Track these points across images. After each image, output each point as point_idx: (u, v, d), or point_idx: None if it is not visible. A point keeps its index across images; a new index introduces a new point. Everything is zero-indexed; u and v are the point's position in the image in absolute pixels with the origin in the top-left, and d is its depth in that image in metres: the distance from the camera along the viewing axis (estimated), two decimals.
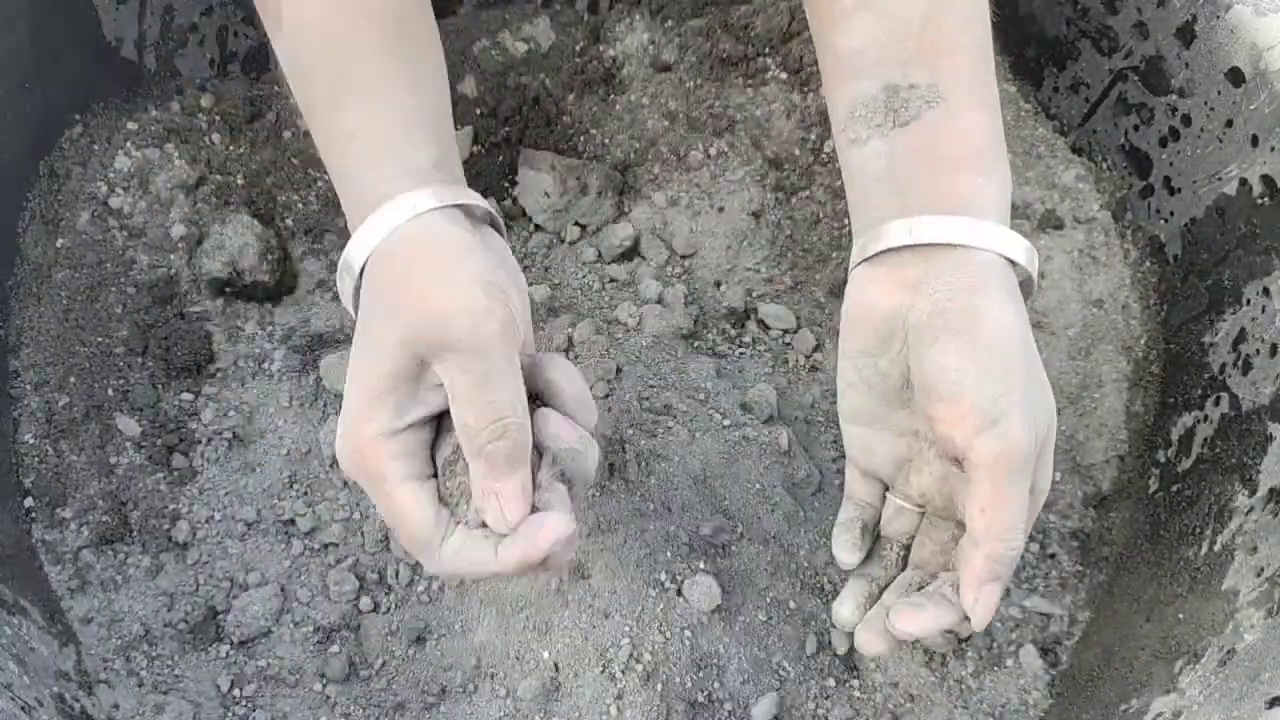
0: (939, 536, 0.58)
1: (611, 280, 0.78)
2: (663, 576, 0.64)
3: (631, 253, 0.80)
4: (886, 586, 0.59)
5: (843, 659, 0.66)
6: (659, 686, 0.61)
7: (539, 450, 0.51)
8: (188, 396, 0.71)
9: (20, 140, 0.70)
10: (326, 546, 0.68)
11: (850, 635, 0.67)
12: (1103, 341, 0.75)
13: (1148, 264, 0.76)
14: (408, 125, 0.53)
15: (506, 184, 0.82)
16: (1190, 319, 0.72)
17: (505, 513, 0.48)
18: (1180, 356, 0.72)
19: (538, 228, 0.81)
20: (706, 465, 0.67)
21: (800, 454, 0.71)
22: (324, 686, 0.64)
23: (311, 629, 0.65)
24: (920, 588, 0.57)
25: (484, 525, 0.50)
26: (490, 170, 0.82)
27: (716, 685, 0.63)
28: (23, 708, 0.52)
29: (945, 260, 0.51)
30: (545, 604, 0.64)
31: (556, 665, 0.62)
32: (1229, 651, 0.58)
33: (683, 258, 0.80)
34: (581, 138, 0.83)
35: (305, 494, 0.69)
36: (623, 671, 0.61)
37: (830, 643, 0.66)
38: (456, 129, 0.81)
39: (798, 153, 0.81)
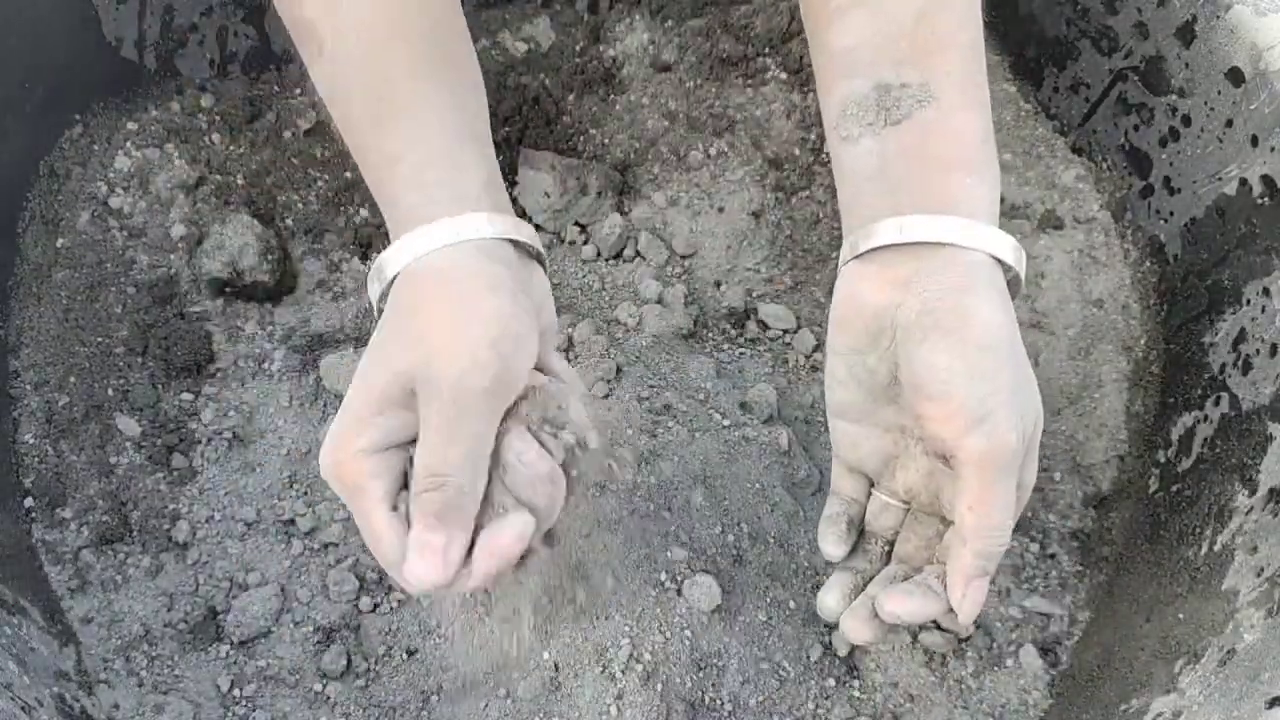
0: (924, 532, 0.58)
1: (611, 280, 0.78)
2: (663, 576, 0.64)
3: (629, 250, 0.80)
4: (871, 579, 0.59)
5: (843, 659, 0.66)
6: (659, 686, 0.61)
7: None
8: (188, 396, 0.71)
9: (20, 140, 0.70)
10: (326, 546, 0.68)
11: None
12: (1103, 341, 0.75)
13: (1148, 264, 0.76)
14: (452, 147, 0.53)
15: (506, 184, 0.82)
16: (1190, 319, 0.72)
17: (419, 567, 0.46)
18: (1180, 356, 0.72)
19: (538, 228, 0.81)
20: (706, 465, 0.67)
21: (800, 454, 0.71)
22: (324, 686, 0.64)
23: (311, 629, 0.65)
24: (905, 581, 0.57)
25: None
26: None
27: (716, 685, 0.63)
28: (23, 708, 0.52)
29: (935, 259, 0.52)
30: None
31: (556, 665, 0.62)
32: (1229, 651, 0.58)
33: (683, 258, 0.80)
34: (581, 138, 0.83)
35: (305, 494, 0.69)
36: (623, 671, 0.61)
37: (830, 643, 0.66)
38: None
39: (798, 153, 0.81)
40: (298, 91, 0.82)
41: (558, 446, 0.50)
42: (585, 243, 0.80)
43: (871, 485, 0.61)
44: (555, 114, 0.83)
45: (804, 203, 0.81)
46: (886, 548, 0.60)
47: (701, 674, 0.63)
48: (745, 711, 0.63)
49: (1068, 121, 0.81)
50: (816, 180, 0.82)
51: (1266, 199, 0.67)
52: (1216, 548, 0.63)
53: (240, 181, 0.77)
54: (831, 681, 0.66)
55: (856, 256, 0.55)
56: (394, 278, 0.51)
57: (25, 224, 0.71)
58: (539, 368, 0.52)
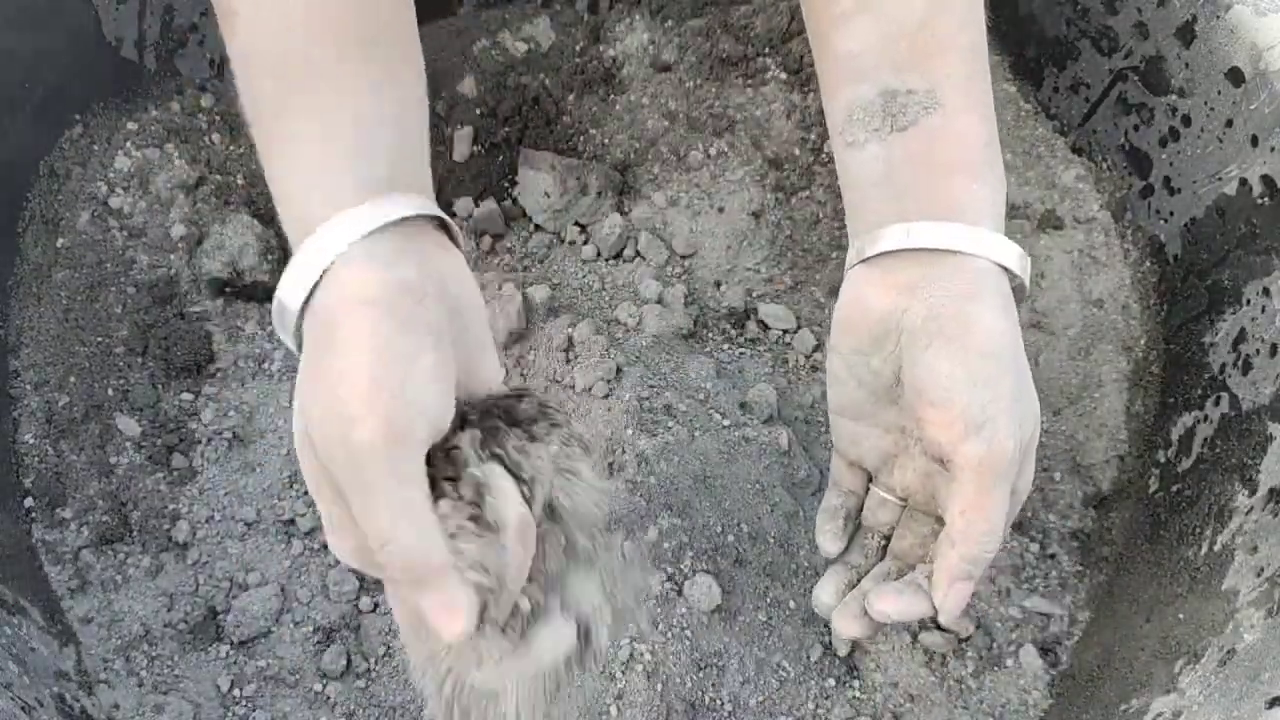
0: (919, 530, 0.58)
1: (611, 280, 0.78)
2: (663, 576, 0.64)
3: (629, 250, 0.80)
4: (865, 574, 0.60)
5: (843, 659, 0.66)
6: (659, 686, 0.61)
7: None
8: (188, 396, 0.71)
9: (20, 140, 0.70)
10: (326, 546, 0.68)
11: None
12: (1103, 341, 0.75)
13: (1148, 264, 0.76)
14: (360, 134, 0.46)
15: (506, 184, 0.82)
16: (1190, 319, 0.72)
17: (442, 625, 0.42)
18: (1180, 356, 0.72)
19: (538, 228, 0.81)
20: (706, 465, 0.67)
21: (800, 454, 0.71)
22: (324, 686, 0.64)
23: (311, 629, 0.65)
24: (898, 577, 0.58)
25: None
26: (490, 170, 0.82)
27: (716, 685, 0.63)
28: (23, 708, 0.52)
29: (942, 266, 0.52)
30: None
31: None
32: (1229, 651, 0.58)
33: (683, 258, 0.80)
34: (581, 138, 0.83)
35: (305, 494, 0.69)
36: (623, 671, 0.61)
37: (830, 643, 0.66)
38: (457, 129, 0.81)
39: (798, 153, 0.81)
40: None
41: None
42: (585, 243, 0.80)
43: (870, 480, 0.61)
44: (555, 114, 0.83)
45: (804, 203, 0.81)
46: (883, 543, 0.60)
47: (701, 674, 0.63)
48: (745, 711, 0.63)
49: (1068, 121, 0.81)
50: (816, 180, 0.82)
51: (1266, 199, 0.67)
52: (1216, 548, 0.63)
53: (240, 181, 0.77)
54: (831, 681, 0.66)
55: (863, 261, 0.55)
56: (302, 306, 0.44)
57: (25, 224, 0.71)
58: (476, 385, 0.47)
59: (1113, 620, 0.68)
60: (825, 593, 0.60)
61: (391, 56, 0.49)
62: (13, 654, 0.56)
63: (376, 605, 0.66)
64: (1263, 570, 0.59)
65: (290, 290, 0.44)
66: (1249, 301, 0.67)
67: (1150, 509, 0.70)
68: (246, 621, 0.64)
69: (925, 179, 0.54)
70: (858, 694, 0.66)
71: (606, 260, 0.79)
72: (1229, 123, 0.69)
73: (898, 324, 0.53)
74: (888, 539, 0.60)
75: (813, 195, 0.81)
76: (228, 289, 0.74)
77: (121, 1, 0.73)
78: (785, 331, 0.78)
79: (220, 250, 0.73)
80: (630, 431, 0.67)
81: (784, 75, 0.83)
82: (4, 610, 0.58)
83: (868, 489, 0.61)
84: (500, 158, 0.82)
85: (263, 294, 0.75)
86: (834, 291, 0.79)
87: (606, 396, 0.69)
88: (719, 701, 0.63)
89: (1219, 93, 0.69)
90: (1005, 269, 0.53)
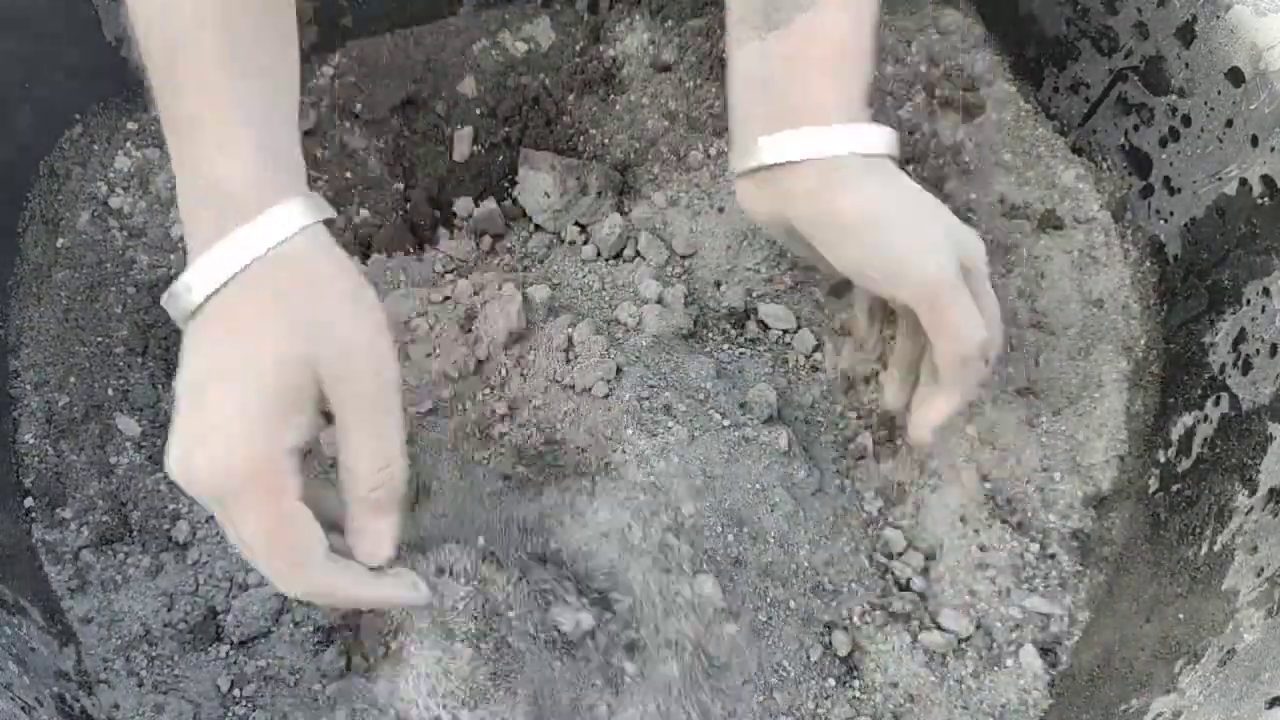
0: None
1: (611, 280, 0.78)
2: (663, 576, 0.64)
3: (629, 250, 0.80)
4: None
5: (843, 659, 0.66)
6: (660, 686, 0.61)
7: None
8: None
9: (20, 140, 0.70)
10: None
11: (850, 635, 0.67)
12: (1103, 341, 0.75)
13: (1148, 264, 0.76)
14: (288, 128, 0.51)
15: (506, 184, 0.82)
16: (1190, 319, 0.72)
17: (378, 549, 0.51)
18: (1180, 356, 0.72)
19: (538, 228, 0.81)
20: (706, 465, 0.67)
21: (800, 454, 0.71)
22: (324, 686, 0.64)
23: (311, 629, 0.65)
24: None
25: None
26: (490, 170, 0.82)
27: (716, 685, 0.63)
28: (23, 708, 0.52)
29: (810, 170, 0.56)
30: None
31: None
32: (1229, 651, 0.58)
33: (683, 258, 0.80)
34: (581, 138, 0.83)
35: None
36: (623, 673, 0.61)
37: (830, 643, 0.66)
38: (457, 129, 0.81)
39: None
40: None
41: None
42: (585, 243, 0.80)
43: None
44: (555, 114, 0.83)
45: None
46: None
47: (702, 674, 0.63)
48: (745, 712, 0.63)
49: (1068, 121, 0.81)
50: None
51: (1266, 199, 0.67)
52: (1216, 548, 0.63)
53: None
54: (831, 681, 0.66)
55: (740, 174, 0.60)
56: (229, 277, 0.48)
57: (25, 224, 0.71)
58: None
59: (1113, 620, 0.68)
60: (890, 394, 0.66)
61: (287, 38, 0.53)
62: (13, 654, 0.56)
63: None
64: (1263, 570, 0.59)
65: (258, 232, 0.48)
66: (1249, 301, 0.67)
67: (1150, 509, 0.70)
68: (246, 621, 0.64)
69: (799, 78, 0.57)
70: (858, 694, 0.66)
71: (606, 260, 0.79)
72: (1229, 123, 0.69)
73: (789, 227, 0.59)
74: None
75: None
76: None
77: (122, 2, 0.73)
78: (785, 331, 0.78)
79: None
80: (630, 431, 0.67)
81: None
82: (4, 610, 0.58)
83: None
84: (500, 158, 0.82)
85: None
86: (834, 291, 0.79)
87: (606, 396, 0.69)
88: (719, 703, 0.63)
89: (1219, 93, 0.69)
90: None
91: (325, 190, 0.79)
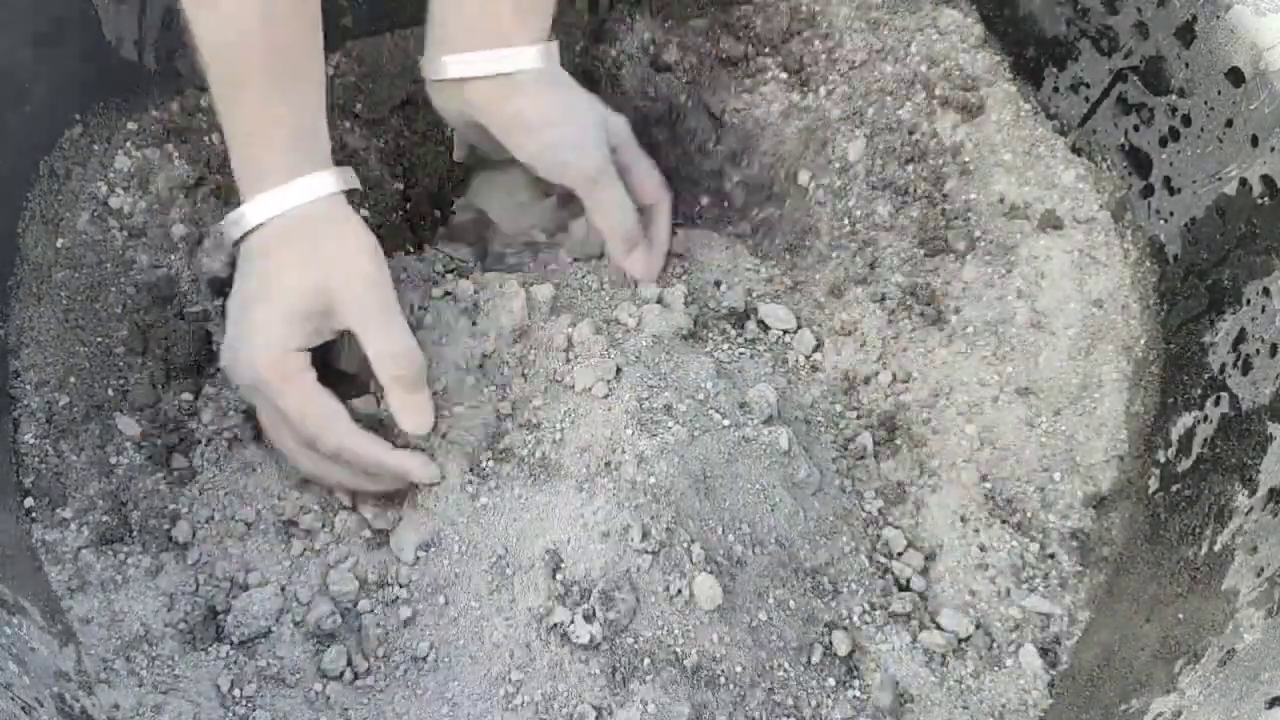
0: None
1: (611, 280, 0.78)
2: (663, 577, 0.64)
3: None
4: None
5: (843, 659, 0.66)
6: (660, 687, 0.61)
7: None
8: (188, 396, 0.71)
9: (20, 140, 0.70)
10: (326, 546, 0.68)
11: (850, 635, 0.67)
12: (1103, 341, 0.75)
13: (1148, 264, 0.76)
14: (318, 117, 0.67)
15: None
16: (1190, 319, 0.72)
17: (420, 417, 0.65)
18: (1180, 356, 0.72)
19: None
20: (706, 466, 0.67)
21: (800, 454, 0.71)
22: (324, 686, 0.64)
23: (311, 629, 0.65)
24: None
25: None
26: None
27: (717, 685, 0.63)
28: (23, 708, 0.52)
29: (488, 85, 0.70)
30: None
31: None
32: (1229, 651, 0.58)
33: (681, 257, 0.80)
34: None
35: (305, 494, 0.69)
36: (624, 676, 0.61)
37: (830, 643, 0.66)
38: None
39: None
40: None
41: None
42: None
43: None
44: None
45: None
46: None
47: (702, 674, 0.63)
48: (745, 712, 0.63)
49: (1068, 121, 0.81)
50: (817, 180, 0.82)
51: (1266, 199, 0.67)
52: (1216, 548, 0.63)
53: None
54: (831, 681, 0.66)
55: (432, 80, 0.72)
56: (259, 224, 0.64)
57: (25, 224, 0.71)
58: None
59: (1113, 620, 0.68)
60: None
61: (315, 51, 0.66)
62: (13, 654, 0.56)
63: (376, 606, 0.66)
64: (1263, 570, 0.59)
65: (264, 207, 0.64)
66: (1249, 301, 0.67)
67: (1150, 509, 0.70)
68: (246, 621, 0.64)
69: (487, 4, 0.69)
70: (858, 694, 0.66)
71: (606, 260, 0.79)
72: (1229, 123, 0.69)
73: (476, 123, 0.71)
74: None
75: (813, 195, 0.82)
76: (228, 289, 0.74)
77: (121, 1, 0.73)
78: (785, 331, 0.79)
79: (220, 250, 0.73)
80: (630, 432, 0.67)
81: (784, 75, 0.83)
82: (4, 610, 0.58)
83: None
84: None
85: None
86: (834, 291, 0.79)
87: (606, 396, 0.69)
88: (719, 703, 0.63)
89: (1219, 93, 0.69)
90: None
91: None
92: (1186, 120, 0.72)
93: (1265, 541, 0.60)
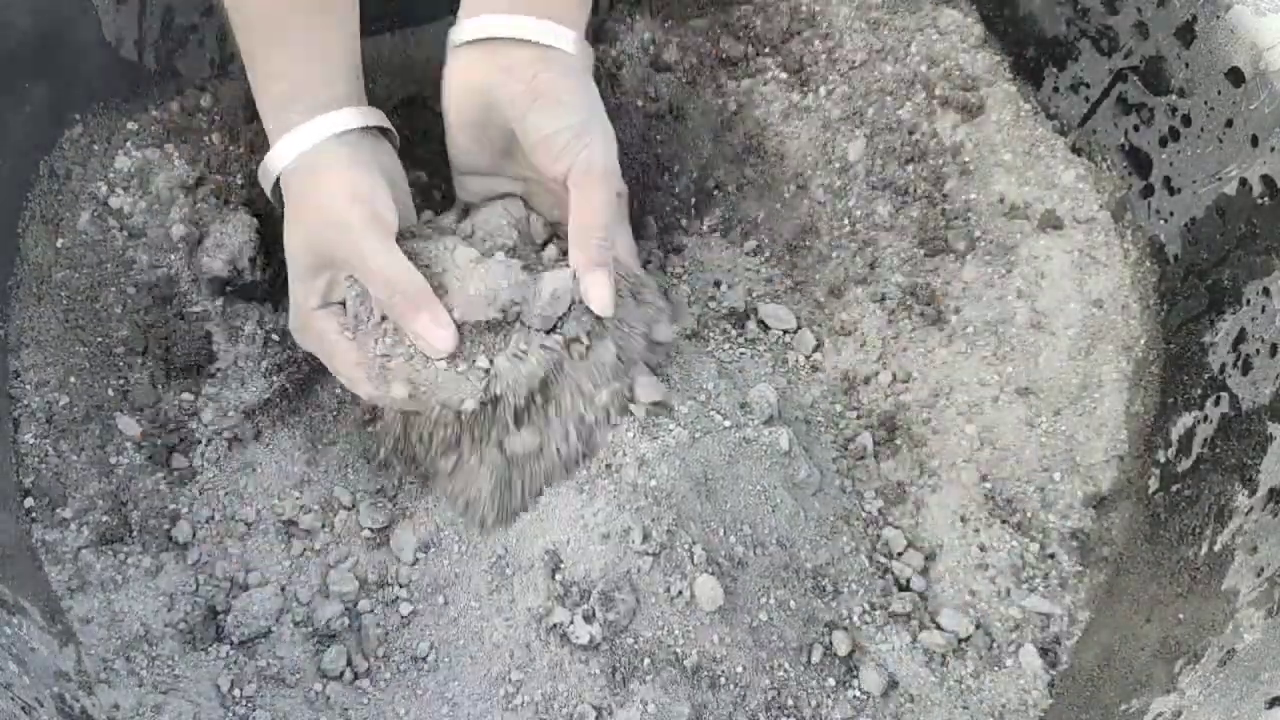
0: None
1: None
2: (664, 577, 0.64)
3: None
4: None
5: (843, 659, 0.66)
6: (661, 687, 0.61)
7: None
8: (188, 396, 0.71)
9: (20, 140, 0.70)
10: (326, 546, 0.68)
11: (850, 635, 0.67)
12: (1103, 341, 0.75)
13: (1148, 264, 0.76)
14: (322, 68, 0.68)
15: None
16: (1190, 319, 0.72)
17: (436, 334, 0.63)
18: (1180, 356, 0.72)
19: None
20: (707, 466, 0.67)
21: (800, 454, 0.71)
22: (324, 686, 0.64)
23: (311, 629, 0.65)
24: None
25: None
26: None
27: (717, 685, 0.63)
28: (23, 708, 0.52)
29: (527, 51, 0.67)
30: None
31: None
32: (1229, 651, 0.58)
33: (679, 255, 0.80)
34: None
35: (305, 494, 0.69)
36: (625, 677, 0.62)
37: (831, 643, 0.66)
38: None
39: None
40: None
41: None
42: None
43: None
44: None
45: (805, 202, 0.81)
46: None
47: (702, 674, 0.63)
48: (746, 712, 0.63)
49: (1068, 121, 0.81)
50: (817, 180, 0.82)
51: (1266, 199, 0.67)
52: (1216, 548, 0.63)
53: (240, 181, 0.77)
54: (831, 681, 0.66)
55: (468, 42, 0.68)
56: (279, 174, 0.67)
57: (25, 224, 0.71)
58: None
59: (1113, 620, 0.68)
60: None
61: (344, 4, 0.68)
62: (13, 654, 0.56)
63: (376, 605, 0.66)
64: (1263, 570, 0.59)
65: (277, 159, 0.67)
66: (1249, 301, 0.67)
67: (1150, 509, 0.70)
68: (246, 621, 0.64)
69: None
70: (858, 694, 0.66)
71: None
72: (1229, 123, 0.69)
73: (498, 97, 0.68)
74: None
75: (813, 195, 0.82)
76: (228, 289, 0.74)
77: (121, 1, 0.73)
78: (785, 331, 0.79)
79: (220, 250, 0.73)
80: (630, 433, 0.67)
81: (784, 75, 0.83)
82: (4, 610, 0.58)
83: None
84: None
85: (262, 294, 0.75)
86: (834, 291, 0.79)
87: None
88: (719, 703, 0.63)
89: (1219, 93, 0.69)
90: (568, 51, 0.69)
91: None
92: (1186, 120, 0.72)
93: (1265, 541, 0.60)
